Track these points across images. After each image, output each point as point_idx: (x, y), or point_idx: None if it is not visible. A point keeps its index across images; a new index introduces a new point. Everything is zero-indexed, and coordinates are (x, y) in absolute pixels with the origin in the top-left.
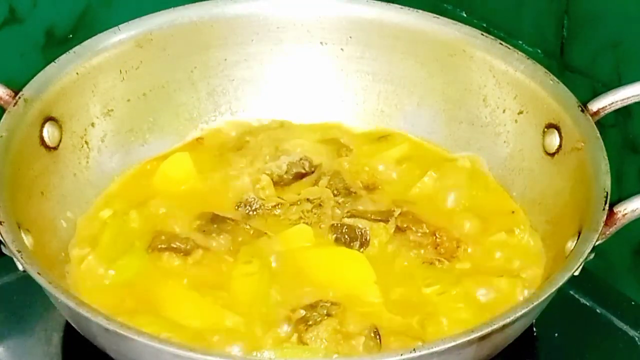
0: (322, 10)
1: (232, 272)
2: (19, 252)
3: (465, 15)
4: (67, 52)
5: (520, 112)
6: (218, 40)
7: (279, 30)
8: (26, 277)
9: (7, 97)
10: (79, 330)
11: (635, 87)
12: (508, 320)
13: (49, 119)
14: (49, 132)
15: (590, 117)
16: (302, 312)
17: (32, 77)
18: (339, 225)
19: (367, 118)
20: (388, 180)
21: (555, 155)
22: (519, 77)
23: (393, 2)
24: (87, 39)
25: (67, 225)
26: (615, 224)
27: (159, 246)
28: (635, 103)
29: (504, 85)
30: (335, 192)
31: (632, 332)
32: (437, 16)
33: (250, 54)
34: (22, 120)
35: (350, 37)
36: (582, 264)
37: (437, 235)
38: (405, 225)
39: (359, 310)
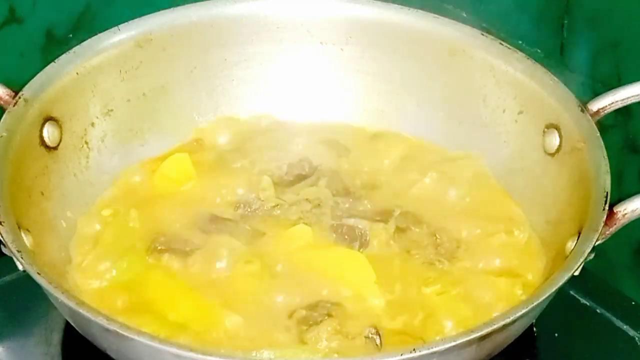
0: (322, 10)
1: (232, 272)
2: (19, 252)
3: (465, 15)
4: (67, 52)
5: (520, 112)
6: (218, 40)
7: (279, 30)
8: (26, 277)
9: (7, 97)
10: (79, 330)
11: (635, 87)
12: (508, 320)
13: (49, 119)
14: (49, 132)
15: (590, 117)
16: (303, 312)
17: (32, 77)
18: (339, 225)
19: (367, 118)
20: (388, 181)
21: (555, 155)
22: (519, 77)
23: (393, 2)
24: (87, 39)
25: (67, 225)
26: (615, 224)
27: (159, 247)
28: (635, 103)
29: (504, 85)
30: (335, 192)
31: (632, 332)
32: (437, 16)
33: (250, 54)
34: (22, 120)
35: (350, 37)
36: (582, 264)
37: (437, 235)
38: (405, 225)
39: (359, 310)
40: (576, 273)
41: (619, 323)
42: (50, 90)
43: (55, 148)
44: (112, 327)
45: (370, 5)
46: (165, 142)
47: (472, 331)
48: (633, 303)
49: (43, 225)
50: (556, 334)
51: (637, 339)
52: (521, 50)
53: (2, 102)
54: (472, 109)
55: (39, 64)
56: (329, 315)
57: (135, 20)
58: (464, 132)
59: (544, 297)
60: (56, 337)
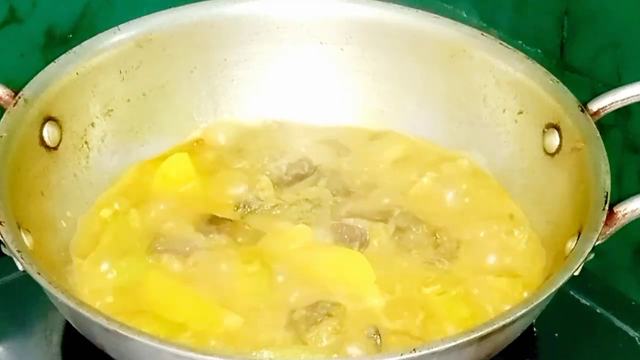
0: (322, 10)
1: (232, 272)
2: (19, 252)
3: (465, 15)
4: (67, 52)
5: (520, 112)
6: (218, 40)
7: (279, 30)
8: (26, 277)
9: (7, 97)
10: (79, 330)
11: (635, 87)
12: (508, 320)
13: (49, 119)
14: (49, 132)
15: (590, 117)
16: (302, 312)
17: (32, 77)
18: (339, 225)
19: (367, 118)
20: (387, 181)
21: (555, 155)
22: (519, 77)
23: (393, 2)
24: (87, 39)
25: (67, 225)
26: (615, 224)
27: (159, 248)
28: (635, 103)
29: (504, 85)
30: (335, 192)
31: (632, 332)
32: (437, 16)
33: (250, 54)
34: (22, 120)
35: (350, 37)
36: (582, 264)
37: (437, 235)
38: (405, 225)
39: (359, 310)
40: (576, 273)
41: (619, 323)
42: (50, 90)
43: (55, 148)
44: (112, 327)
45: (370, 5)
46: (165, 142)
47: (472, 331)
48: (633, 303)
49: (43, 225)
50: (556, 334)
51: (637, 339)
52: (521, 50)
53: (2, 102)
54: (472, 109)
55: (39, 64)
56: (329, 315)
57: (135, 20)
58: (464, 132)
59: (544, 297)
60: (56, 337)
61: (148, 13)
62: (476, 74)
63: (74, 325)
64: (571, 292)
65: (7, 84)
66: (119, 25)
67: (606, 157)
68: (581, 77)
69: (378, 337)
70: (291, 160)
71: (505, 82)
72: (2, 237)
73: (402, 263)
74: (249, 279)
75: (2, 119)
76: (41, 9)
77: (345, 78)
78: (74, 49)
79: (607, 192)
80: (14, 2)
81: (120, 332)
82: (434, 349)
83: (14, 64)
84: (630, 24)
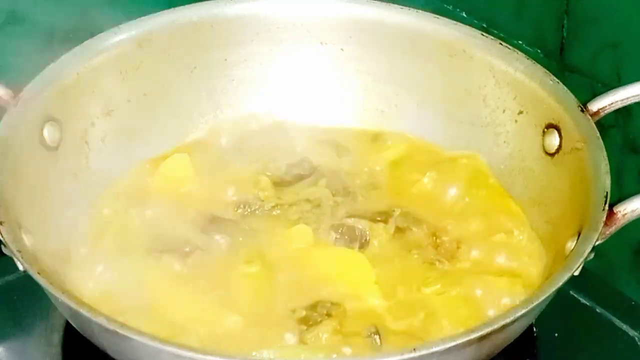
0: (322, 10)
1: (232, 272)
2: (19, 252)
3: (465, 15)
4: (67, 52)
5: (520, 112)
6: (218, 40)
7: (279, 30)
8: (26, 277)
9: (7, 97)
10: (79, 330)
11: (635, 87)
12: (508, 320)
13: (49, 119)
14: (49, 132)
15: (590, 117)
16: (302, 312)
17: (32, 77)
18: (339, 225)
19: (367, 118)
20: (387, 181)
21: (555, 155)
22: (519, 77)
23: (393, 2)
24: (87, 39)
25: (67, 225)
26: (615, 224)
27: (159, 248)
28: (635, 103)
29: (504, 85)
30: (335, 192)
31: (632, 332)
32: (437, 16)
33: (250, 54)
34: (22, 120)
35: (350, 37)
36: (582, 264)
37: (437, 235)
38: (405, 225)
39: (359, 310)
40: (576, 273)
41: (619, 323)
42: (50, 90)
43: (55, 148)
44: (112, 327)
45: (370, 5)
46: (165, 142)
47: (472, 331)
48: (633, 303)
49: (43, 225)
50: (556, 334)
51: (637, 339)
52: (521, 50)
53: (2, 102)
54: (472, 109)
55: (39, 64)
56: (329, 315)
57: (135, 20)
58: (464, 132)
59: (544, 297)
60: (56, 337)
61: (148, 13)
62: (476, 74)
63: (74, 325)
64: (571, 292)
65: (7, 84)
66: (119, 25)
67: (606, 157)
68: (581, 77)
69: (378, 337)
70: (291, 160)
71: (505, 82)
72: (2, 237)
73: (402, 263)
74: (249, 279)
75: (2, 119)
76: (41, 9)
77: (345, 78)
78: (74, 49)
79: (607, 192)
80: (14, 2)
81: (120, 332)
82: (434, 349)
83: (14, 64)
84: (630, 24)
